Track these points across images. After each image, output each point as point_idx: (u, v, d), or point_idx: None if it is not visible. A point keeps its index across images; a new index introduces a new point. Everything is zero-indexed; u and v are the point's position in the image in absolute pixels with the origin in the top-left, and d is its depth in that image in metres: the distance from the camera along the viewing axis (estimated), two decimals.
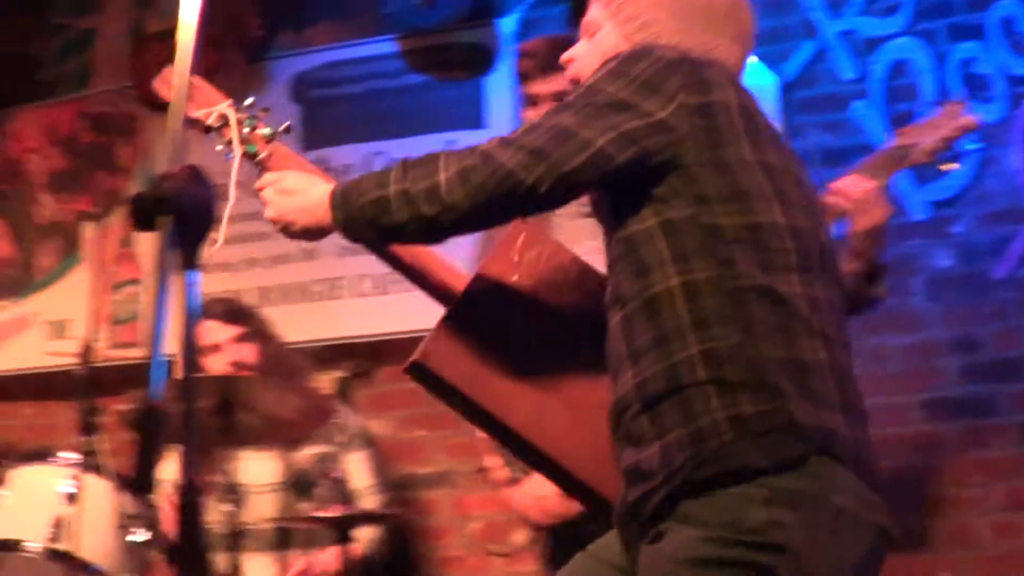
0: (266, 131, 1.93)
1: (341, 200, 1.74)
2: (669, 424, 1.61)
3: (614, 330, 1.71)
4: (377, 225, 1.71)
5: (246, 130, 1.92)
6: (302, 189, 1.81)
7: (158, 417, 1.31)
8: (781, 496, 1.54)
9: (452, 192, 1.65)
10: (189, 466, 1.24)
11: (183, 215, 1.25)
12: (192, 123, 1.92)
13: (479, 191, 1.65)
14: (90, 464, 2.92)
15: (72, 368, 3.51)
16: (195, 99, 1.92)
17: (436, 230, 1.70)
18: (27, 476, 2.95)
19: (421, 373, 1.85)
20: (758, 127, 1.73)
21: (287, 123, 1.95)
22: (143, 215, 1.26)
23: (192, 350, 1.25)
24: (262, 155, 1.91)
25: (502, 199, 1.65)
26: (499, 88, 4.04)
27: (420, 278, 1.93)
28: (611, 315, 1.72)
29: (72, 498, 2.85)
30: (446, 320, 1.87)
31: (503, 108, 4.00)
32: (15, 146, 4.67)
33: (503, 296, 1.90)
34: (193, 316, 1.25)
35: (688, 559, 1.55)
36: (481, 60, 4.13)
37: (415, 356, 1.84)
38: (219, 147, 1.95)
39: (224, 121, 1.91)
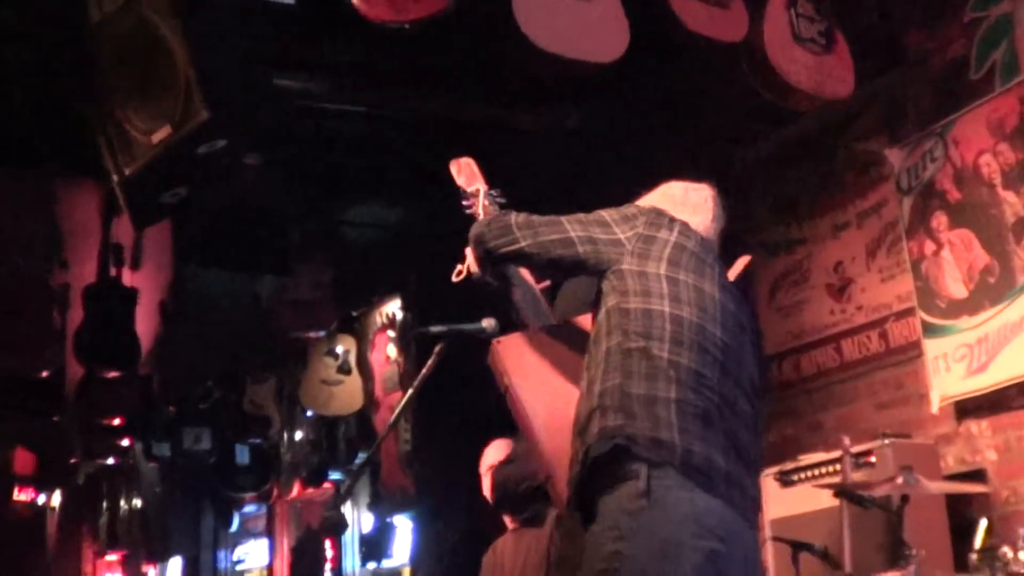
0: (496, 208, 3.23)
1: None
2: (585, 437, 2.68)
3: (583, 383, 2.78)
4: (479, 248, 3.01)
5: (486, 201, 3.26)
6: None
7: None
8: (624, 531, 2.52)
9: (484, 228, 3.00)
10: None
11: None
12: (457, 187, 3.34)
13: (492, 233, 2.97)
14: None
15: None
16: (464, 174, 3.37)
17: (484, 256, 3.01)
18: None
19: (492, 357, 3.06)
20: (681, 257, 2.81)
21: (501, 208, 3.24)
22: None
23: None
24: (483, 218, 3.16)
25: (503, 245, 2.94)
26: None
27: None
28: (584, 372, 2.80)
29: None
30: (525, 332, 3.11)
31: None
32: (965, 152, 4.93)
33: (557, 343, 3.09)
34: None
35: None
36: None
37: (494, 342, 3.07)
38: (465, 204, 3.29)
39: (475, 192, 3.29)
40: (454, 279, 3.16)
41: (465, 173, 3.40)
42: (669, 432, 2.58)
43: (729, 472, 2.60)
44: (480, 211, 3.25)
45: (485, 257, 3.02)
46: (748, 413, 2.74)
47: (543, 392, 3.01)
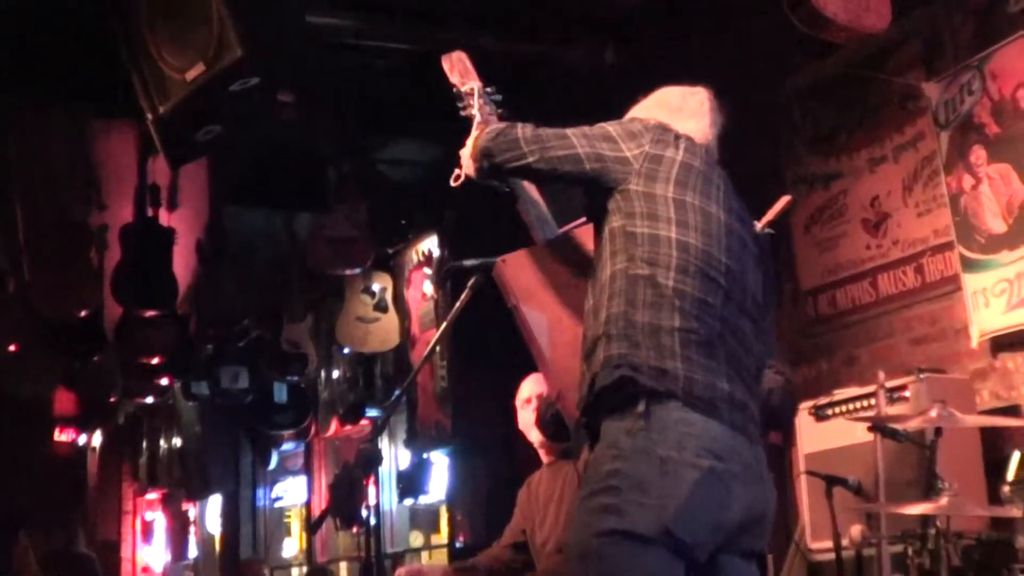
0: (492, 107, 3.20)
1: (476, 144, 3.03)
2: (591, 364, 2.74)
3: (589, 303, 2.83)
4: (485, 162, 2.99)
5: (482, 100, 3.19)
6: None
7: None
8: (622, 450, 2.61)
9: (492, 143, 2.97)
10: None
11: None
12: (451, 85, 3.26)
13: (499, 147, 2.94)
14: None
15: None
16: (458, 71, 3.28)
17: (489, 170, 3.01)
18: None
19: (497, 275, 3.08)
20: (689, 178, 2.82)
21: (500, 111, 3.21)
22: None
23: None
24: (480, 119, 3.15)
25: (510, 160, 2.93)
26: None
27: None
28: (589, 292, 2.85)
29: None
30: (529, 249, 3.13)
31: None
32: (1003, 85, 4.91)
33: (560, 258, 3.12)
34: None
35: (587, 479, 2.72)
36: None
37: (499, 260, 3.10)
38: (459, 104, 3.22)
39: (470, 91, 3.22)
40: (452, 183, 3.16)
41: (458, 69, 3.33)
42: (673, 361, 2.64)
43: (732, 395, 2.68)
44: (476, 111, 3.20)
45: (490, 171, 3.02)
46: (750, 333, 2.80)
47: (548, 309, 3.06)
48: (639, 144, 2.84)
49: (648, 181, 2.80)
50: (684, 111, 3.03)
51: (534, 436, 4.60)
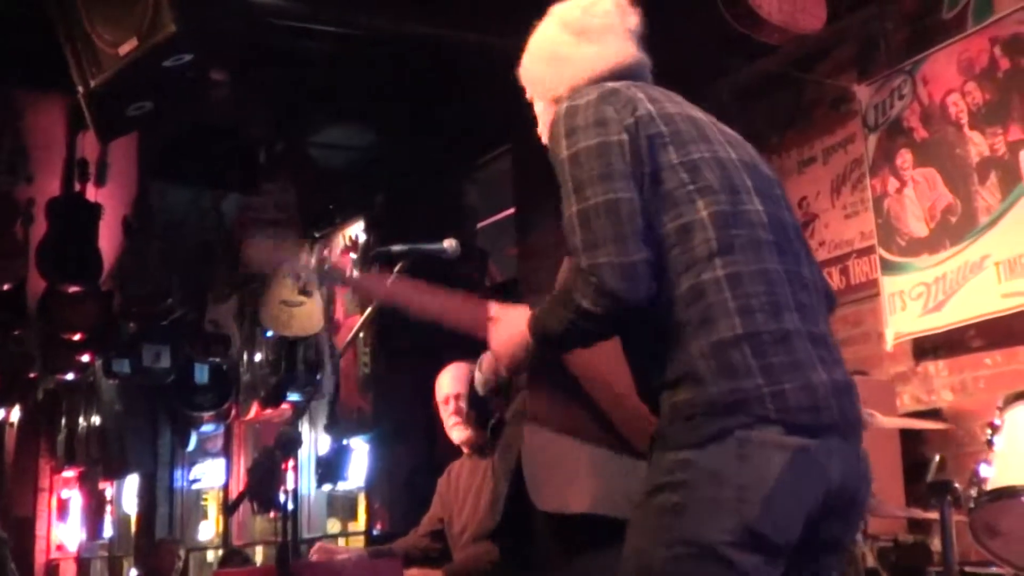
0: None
1: (534, 325, 2.27)
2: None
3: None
4: (563, 334, 2.20)
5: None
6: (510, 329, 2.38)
7: None
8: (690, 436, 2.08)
9: (599, 292, 2.09)
10: None
11: None
12: None
13: (610, 292, 2.08)
14: None
15: None
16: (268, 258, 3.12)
17: (608, 320, 2.14)
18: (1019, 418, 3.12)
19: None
20: (679, 127, 2.24)
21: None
22: None
23: None
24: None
25: (627, 285, 2.08)
26: None
27: None
28: None
29: None
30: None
31: None
32: (933, 90, 4.90)
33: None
34: None
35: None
36: None
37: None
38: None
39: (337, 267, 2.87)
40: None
41: (267, 258, 2.93)
42: (750, 379, 2.06)
43: (832, 382, 2.13)
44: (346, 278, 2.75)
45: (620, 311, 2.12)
46: (808, 274, 2.25)
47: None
48: (616, 125, 2.22)
49: (651, 158, 2.19)
50: (587, 34, 2.44)
51: (456, 435, 4.51)
